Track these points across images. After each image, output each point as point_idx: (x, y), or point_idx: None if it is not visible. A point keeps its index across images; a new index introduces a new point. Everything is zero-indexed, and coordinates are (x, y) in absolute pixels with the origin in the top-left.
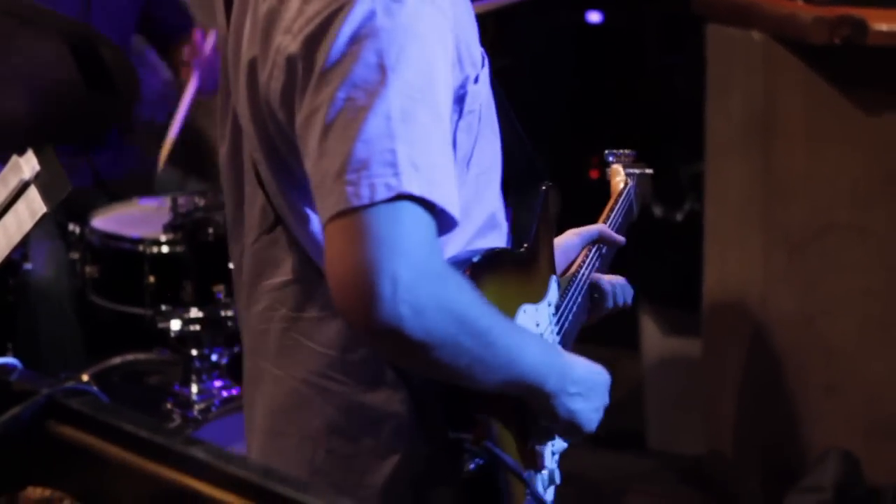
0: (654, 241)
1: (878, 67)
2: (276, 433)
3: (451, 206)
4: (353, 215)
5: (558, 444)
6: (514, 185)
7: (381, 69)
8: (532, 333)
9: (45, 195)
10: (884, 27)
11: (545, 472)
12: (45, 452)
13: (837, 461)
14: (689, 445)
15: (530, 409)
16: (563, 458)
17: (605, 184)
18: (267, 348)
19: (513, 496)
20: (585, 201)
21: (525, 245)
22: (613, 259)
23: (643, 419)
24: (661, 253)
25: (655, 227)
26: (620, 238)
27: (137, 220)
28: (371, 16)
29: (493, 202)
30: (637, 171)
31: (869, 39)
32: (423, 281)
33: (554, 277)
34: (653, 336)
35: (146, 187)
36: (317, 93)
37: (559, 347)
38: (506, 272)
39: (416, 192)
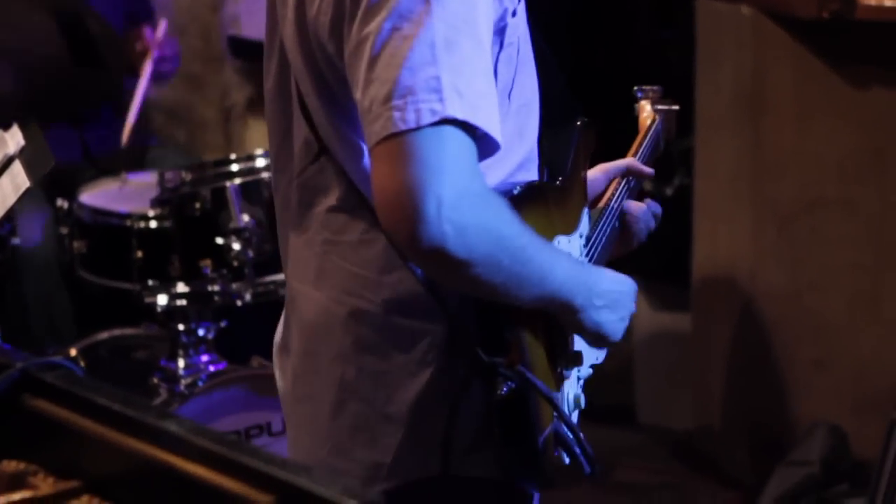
0: None
1: (867, 42)
2: (309, 353)
3: (494, 130)
4: (399, 139)
5: (584, 370)
6: (550, 120)
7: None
8: (562, 251)
9: (29, 170)
10: (872, 1)
11: (571, 396)
12: (19, 426)
13: (825, 435)
14: (678, 420)
15: (560, 331)
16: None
17: (600, 155)
18: (307, 271)
19: (540, 418)
20: None
21: (560, 179)
22: None
23: (633, 394)
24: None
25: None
26: (649, 170)
27: (125, 195)
28: None
29: (532, 136)
30: (663, 107)
31: (857, 14)
32: (465, 201)
33: (586, 210)
34: (643, 311)
35: (137, 162)
36: (364, 24)
37: (587, 262)
38: (543, 204)
39: (460, 116)
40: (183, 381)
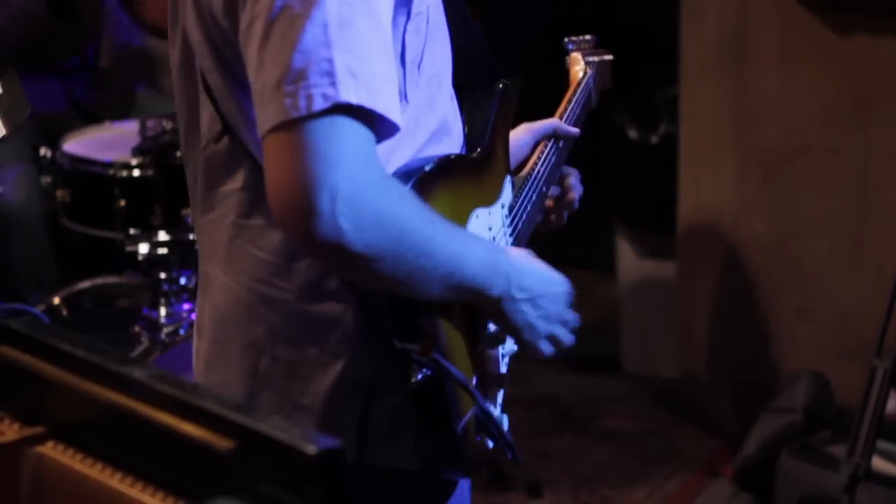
0: (630, 164)
1: None
2: (221, 340)
3: (392, 112)
4: (291, 127)
5: (508, 346)
6: (470, 86)
7: None
8: (478, 239)
9: (5, 118)
10: None
11: (494, 377)
12: None
13: (808, 382)
14: (664, 368)
15: (479, 313)
16: (539, 381)
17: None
18: (216, 255)
19: (459, 405)
20: None
21: (479, 149)
22: (588, 181)
23: (618, 342)
24: (637, 176)
25: (631, 150)
26: (575, 130)
27: (109, 143)
28: None
29: (445, 106)
30: (596, 58)
31: None
32: (362, 193)
33: (508, 178)
34: (629, 259)
35: (124, 111)
36: (256, 1)
37: (510, 253)
38: (458, 179)
39: (354, 100)
40: (164, 330)
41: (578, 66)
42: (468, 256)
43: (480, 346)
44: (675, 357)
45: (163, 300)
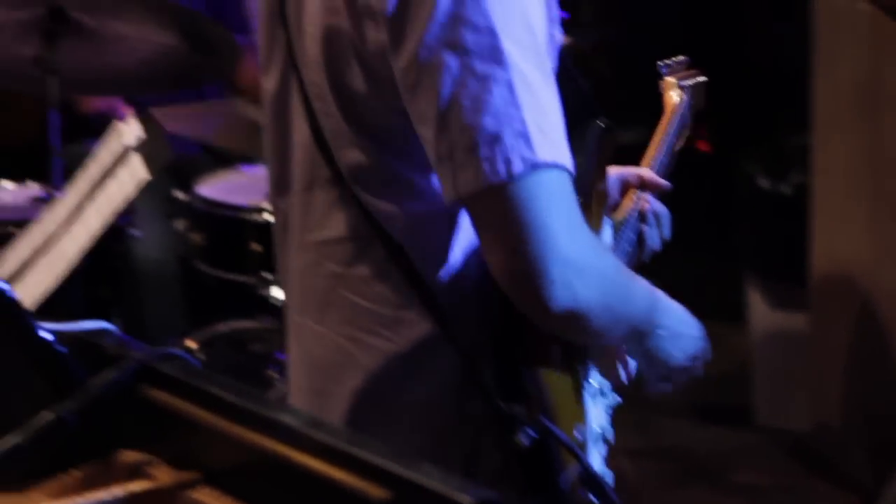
0: (761, 213)
1: None
2: (317, 391)
3: (569, 162)
4: (495, 193)
5: (611, 398)
6: (571, 128)
7: (491, 32)
8: (640, 279)
9: (148, 162)
10: None
11: (596, 427)
12: (137, 416)
13: None
14: (796, 421)
15: (582, 362)
16: (670, 432)
17: (714, 161)
18: (309, 304)
19: (563, 462)
20: (696, 177)
21: (583, 195)
22: (718, 231)
23: (750, 394)
24: (768, 225)
25: (763, 199)
26: (665, 183)
27: (242, 187)
28: None
29: None
30: (691, 81)
31: None
32: (585, 256)
33: (608, 221)
34: (760, 310)
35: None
36: (421, 56)
37: (656, 291)
38: None
39: (550, 158)
40: None
41: (673, 91)
42: (639, 300)
43: (583, 399)
44: (809, 410)
45: None
